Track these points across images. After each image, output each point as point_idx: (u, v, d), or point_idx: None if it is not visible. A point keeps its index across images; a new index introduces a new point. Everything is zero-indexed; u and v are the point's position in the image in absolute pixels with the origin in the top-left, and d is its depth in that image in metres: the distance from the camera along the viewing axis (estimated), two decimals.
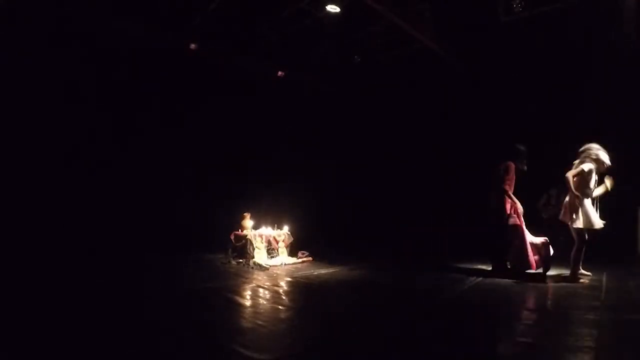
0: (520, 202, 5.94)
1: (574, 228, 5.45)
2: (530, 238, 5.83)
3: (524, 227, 5.86)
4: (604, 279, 5.71)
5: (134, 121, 7.59)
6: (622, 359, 3.13)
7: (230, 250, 6.94)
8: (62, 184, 6.59)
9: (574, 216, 5.41)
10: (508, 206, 5.93)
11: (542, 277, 5.63)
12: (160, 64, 7.61)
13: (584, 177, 5.41)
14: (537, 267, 5.79)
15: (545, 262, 5.71)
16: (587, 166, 5.41)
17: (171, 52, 7.71)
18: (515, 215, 5.88)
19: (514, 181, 5.95)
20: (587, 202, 5.45)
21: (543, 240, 5.75)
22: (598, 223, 5.43)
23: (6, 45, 5.95)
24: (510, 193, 5.90)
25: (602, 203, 5.68)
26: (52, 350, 3.13)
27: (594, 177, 5.46)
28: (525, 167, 6.04)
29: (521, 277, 5.66)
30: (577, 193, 5.35)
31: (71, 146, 6.82)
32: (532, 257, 5.75)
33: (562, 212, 5.63)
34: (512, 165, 5.93)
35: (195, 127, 8.33)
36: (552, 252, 5.72)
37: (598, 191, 5.58)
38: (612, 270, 6.11)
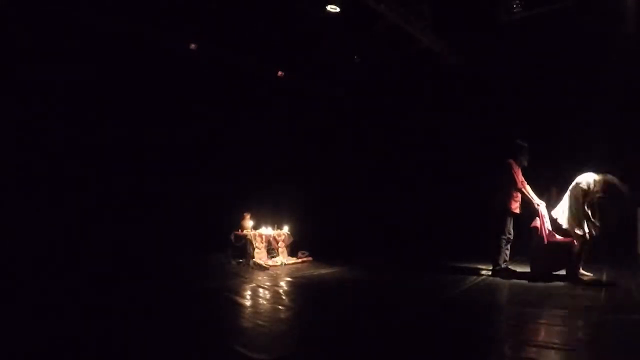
0: (517, 203, 5.95)
1: (577, 234, 5.45)
2: (552, 239, 5.77)
3: (547, 226, 5.78)
4: (604, 279, 5.71)
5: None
6: (622, 359, 3.13)
7: (230, 250, 6.94)
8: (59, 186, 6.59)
9: (578, 223, 5.43)
10: (514, 205, 5.93)
11: (567, 278, 5.55)
12: (157, 63, 7.60)
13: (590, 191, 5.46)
14: (559, 269, 5.72)
15: (570, 262, 5.59)
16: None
17: (169, 51, 7.70)
18: (537, 217, 5.81)
19: (520, 176, 5.94)
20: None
21: (567, 241, 5.64)
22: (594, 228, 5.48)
23: None
24: (528, 190, 5.89)
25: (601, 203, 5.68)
26: (51, 348, 3.13)
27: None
28: (526, 163, 6.03)
29: (541, 278, 5.60)
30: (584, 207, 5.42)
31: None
32: (552, 259, 5.68)
33: (565, 221, 5.60)
34: (512, 163, 5.93)
35: (193, 126, 8.32)
36: (579, 252, 5.54)
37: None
38: (612, 270, 6.11)
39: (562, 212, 5.63)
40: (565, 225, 5.59)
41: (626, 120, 7.30)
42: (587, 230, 5.42)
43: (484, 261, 6.51)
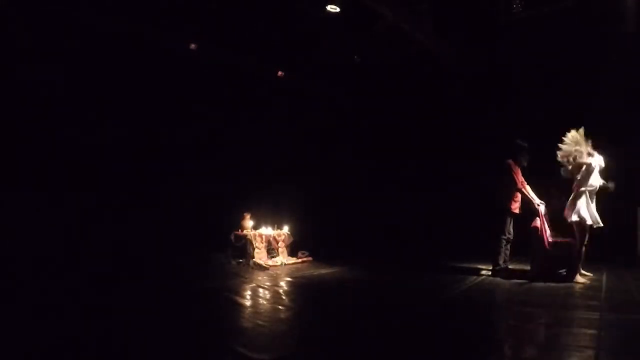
0: (517, 203, 5.96)
1: (576, 223, 5.44)
2: (552, 239, 5.76)
3: (546, 227, 5.78)
4: (604, 279, 5.71)
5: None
6: (622, 359, 3.13)
7: (230, 250, 6.94)
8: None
9: (575, 211, 5.42)
10: (514, 205, 5.92)
11: (566, 278, 5.54)
12: (157, 62, 7.60)
13: (588, 171, 5.42)
14: (559, 269, 5.71)
15: (570, 262, 5.57)
16: (591, 160, 5.44)
17: (169, 51, 7.70)
18: (537, 217, 5.80)
19: (520, 176, 5.93)
20: (588, 198, 5.46)
21: (567, 241, 5.64)
22: (595, 220, 5.45)
23: None
24: (528, 190, 5.88)
25: (601, 203, 5.67)
26: (51, 348, 3.13)
27: (596, 171, 5.48)
28: (526, 163, 6.03)
29: (541, 278, 5.60)
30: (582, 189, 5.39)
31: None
32: (552, 259, 5.67)
33: (565, 210, 5.61)
34: (512, 163, 5.92)
35: (194, 127, 8.32)
36: (578, 251, 5.53)
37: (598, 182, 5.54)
38: (612, 270, 6.11)
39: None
40: (567, 217, 5.58)
41: (627, 121, 7.29)
42: (585, 218, 5.40)
43: (484, 261, 6.51)
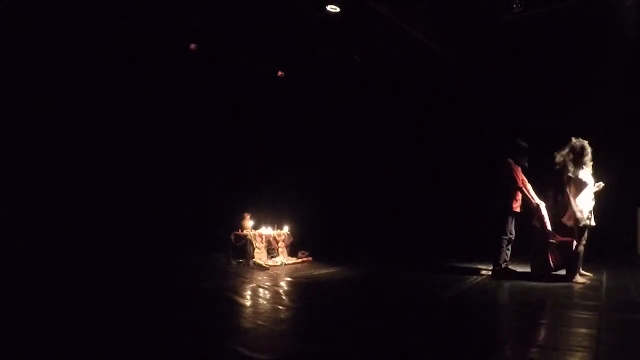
0: (518, 202, 5.95)
1: (574, 226, 5.45)
2: (553, 238, 5.77)
3: (548, 226, 5.76)
4: (604, 279, 5.70)
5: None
6: (622, 359, 3.13)
7: (230, 250, 6.94)
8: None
9: (572, 212, 5.42)
10: (515, 204, 5.92)
11: (566, 278, 5.52)
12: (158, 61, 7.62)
13: (578, 179, 5.44)
14: (559, 268, 5.70)
15: (569, 262, 5.55)
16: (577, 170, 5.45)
17: (171, 50, 7.71)
18: (537, 217, 5.78)
19: (521, 175, 5.92)
20: (585, 200, 5.46)
21: (567, 240, 5.60)
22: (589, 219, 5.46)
23: None
24: (528, 189, 5.87)
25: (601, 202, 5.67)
26: (51, 348, 3.14)
27: (587, 174, 5.48)
28: (526, 164, 6.02)
29: (541, 278, 5.58)
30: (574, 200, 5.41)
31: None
32: (552, 259, 5.66)
33: (565, 215, 5.61)
34: (512, 162, 5.91)
35: (194, 127, 8.33)
36: (578, 251, 5.53)
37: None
38: (612, 270, 6.11)
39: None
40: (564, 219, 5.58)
41: (627, 122, 7.29)
42: (582, 219, 5.40)
43: (484, 261, 6.51)
